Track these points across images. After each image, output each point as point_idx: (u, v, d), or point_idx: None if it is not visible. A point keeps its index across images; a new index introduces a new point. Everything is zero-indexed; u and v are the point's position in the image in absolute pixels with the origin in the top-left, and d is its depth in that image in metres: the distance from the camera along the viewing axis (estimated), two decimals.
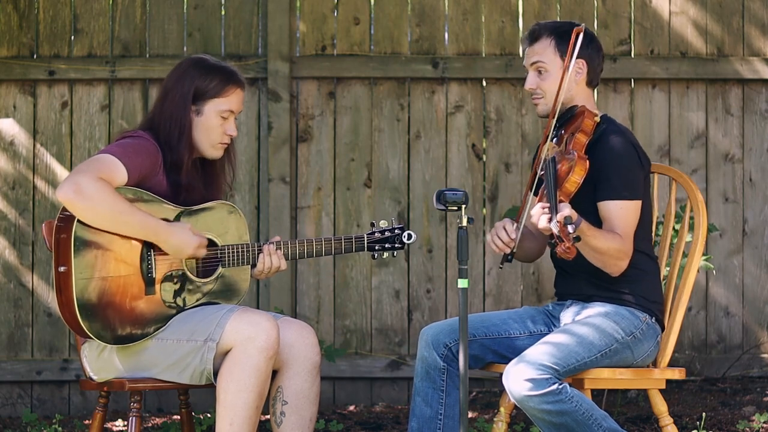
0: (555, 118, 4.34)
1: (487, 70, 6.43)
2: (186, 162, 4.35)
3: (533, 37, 4.47)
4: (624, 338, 4.32)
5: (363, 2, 6.46)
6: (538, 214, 4.12)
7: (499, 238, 4.37)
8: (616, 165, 4.33)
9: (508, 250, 4.37)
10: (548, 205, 4.09)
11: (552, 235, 4.06)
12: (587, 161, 4.22)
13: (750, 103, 6.46)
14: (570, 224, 3.98)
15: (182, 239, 4.25)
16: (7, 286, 6.35)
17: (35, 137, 6.38)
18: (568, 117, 4.40)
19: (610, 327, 4.31)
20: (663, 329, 4.47)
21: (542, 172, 4.27)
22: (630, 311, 4.38)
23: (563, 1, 6.45)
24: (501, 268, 4.56)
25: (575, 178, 4.19)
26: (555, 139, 4.38)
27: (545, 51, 4.44)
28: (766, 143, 6.47)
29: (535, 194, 4.40)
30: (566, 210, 4.04)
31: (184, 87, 4.36)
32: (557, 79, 4.39)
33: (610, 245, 4.26)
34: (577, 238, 3.99)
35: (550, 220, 4.04)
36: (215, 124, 4.39)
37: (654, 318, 4.42)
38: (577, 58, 4.33)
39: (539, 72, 4.45)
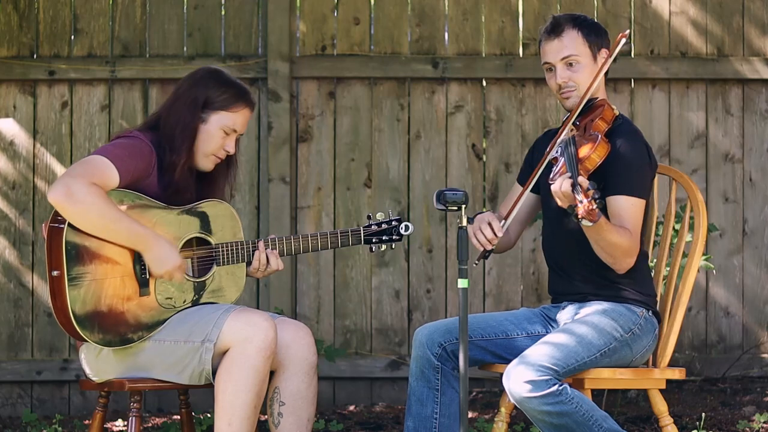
0: (580, 108, 4.35)
1: (487, 70, 6.42)
2: (182, 164, 4.33)
3: (558, 31, 4.43)
4: (623, 336, 4.32)
5: (363, 2, 6.46)
6: (559, 182, 4.08)
7: (483, 233, 4.31)
8: (629, 162, 4.33)
9: (490, 247, 4.32)
10: (569, 173, 4.09)
11: (571, 206, 4.04)
12: (609, 145, 4.22)
13: (750, 103, 6.46)
14: (594, 188, 3.98)
15: (166, 254, 4.21)
16: (7, 286, 6.35)
17: (35, 137, 6.38)
18: (587, 107, 4.40)
19: (608, 325, 4.30)
20: (659, 321, 4.46)
21: (556, 153, 4.26)
22: (626, 307, 4.38)
23: (563, 2, 6.45)
24: (476, 264, 4.41)
25: (595, 157, 4.19)
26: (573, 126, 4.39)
27: (575, 43, 4.42)
28: (766, 143, 6.47)
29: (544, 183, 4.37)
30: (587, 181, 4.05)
31: (197, 93, 4.35)
32: (588, 69, 4.41)
33: (623, 240, 4.25)
34: (601, 200, 3.99)
35: (573, 186, 4.03)
36: (216, 136, 4.36)
37: (650, 311, 4.42)
38: (604, 48, 4.45)
39: (570, 65, 4.42)
